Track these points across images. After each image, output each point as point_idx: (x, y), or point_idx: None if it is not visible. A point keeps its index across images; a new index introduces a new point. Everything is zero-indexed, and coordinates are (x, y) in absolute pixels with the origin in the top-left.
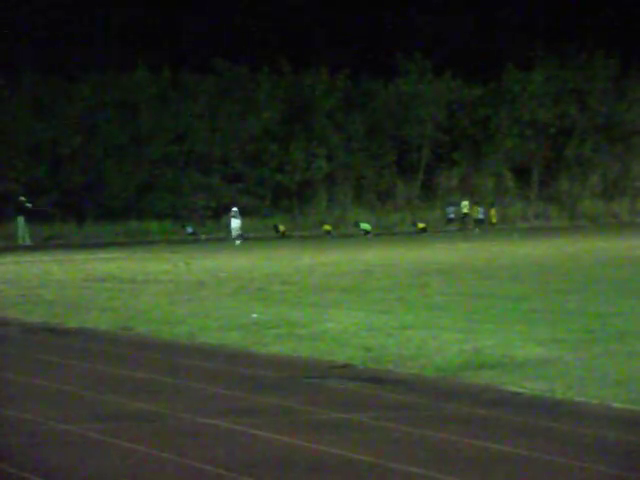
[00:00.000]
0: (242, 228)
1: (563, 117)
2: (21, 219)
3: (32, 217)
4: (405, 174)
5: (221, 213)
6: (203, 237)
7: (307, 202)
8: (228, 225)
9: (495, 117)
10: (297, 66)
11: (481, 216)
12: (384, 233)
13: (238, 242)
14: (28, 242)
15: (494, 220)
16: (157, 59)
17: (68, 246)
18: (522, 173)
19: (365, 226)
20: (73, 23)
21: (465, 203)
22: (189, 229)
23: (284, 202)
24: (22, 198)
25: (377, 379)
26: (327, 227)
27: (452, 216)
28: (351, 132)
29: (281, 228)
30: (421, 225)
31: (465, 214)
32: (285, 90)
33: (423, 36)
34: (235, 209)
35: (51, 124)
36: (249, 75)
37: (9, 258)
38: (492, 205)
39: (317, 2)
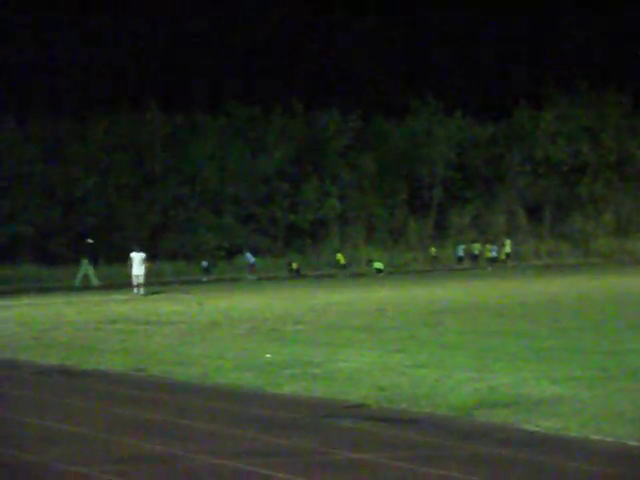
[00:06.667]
0: (145, 276)
1: (576, 155)
2: (85, 261)
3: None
4: (417, 213)
5: (234, 253)
6: (212, 277)
7: (320, 241)
8: (130, 268)
9: (507, 155)
10: (309, 106)
11: (494, 254)
12: (397, 271)
13: (142, 291)
14: (77, 284)
15: (503, 257)
16: (169, 100)
17: (81, 288)
18: (535, 211)
19: (378, 265)
20: (85, 65)
21: (477, 245)
22: (204, 263)
23: (297, 241)
24: (90, 240)
25: (391, 419)
26: (340, 257)
27: (462, 254)
28: (363, 171)
29: (294, 265)
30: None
31: (476, 255)
32: (297, 130)
33: (434, 76)
34: (143, 254)
35: (64, 166)
36: (261, 115)
37: (23, 300)
38: (502, 244)
39: (328, 42)
